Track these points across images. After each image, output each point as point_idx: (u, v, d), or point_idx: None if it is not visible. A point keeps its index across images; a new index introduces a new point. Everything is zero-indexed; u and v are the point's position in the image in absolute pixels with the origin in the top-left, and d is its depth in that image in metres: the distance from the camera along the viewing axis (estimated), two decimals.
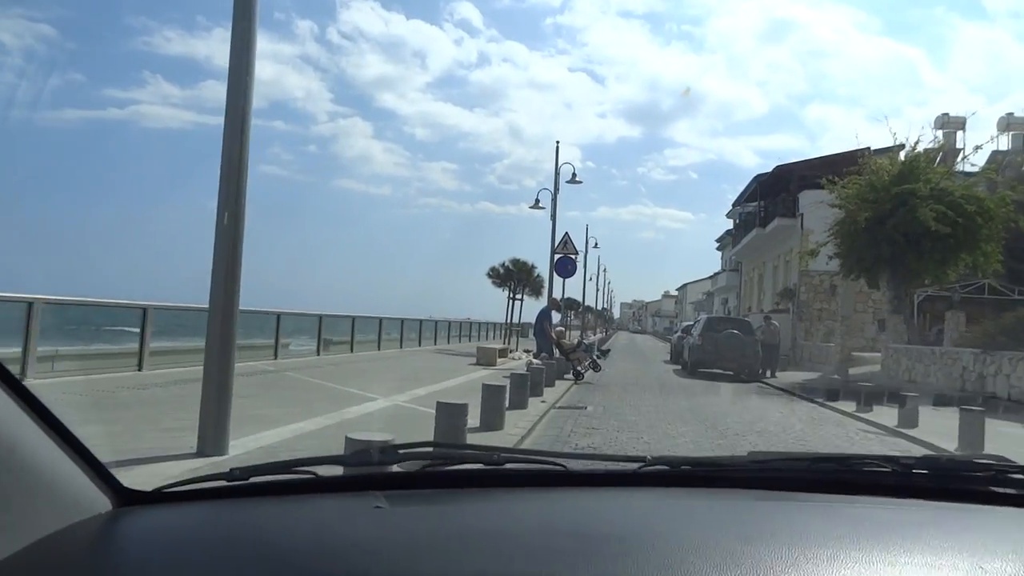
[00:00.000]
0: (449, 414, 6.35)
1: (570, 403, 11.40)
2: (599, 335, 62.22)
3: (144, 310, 10.96)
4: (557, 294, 25.55)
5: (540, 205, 28.26)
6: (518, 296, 24.37)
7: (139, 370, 10.56)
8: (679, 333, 29.00)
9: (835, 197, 19.32)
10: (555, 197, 28.34)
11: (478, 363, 18.07)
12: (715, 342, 19.20)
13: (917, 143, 18.99)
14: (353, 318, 19.41)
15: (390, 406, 8.98)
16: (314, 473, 1.15)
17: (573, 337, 20.79)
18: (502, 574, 0.85)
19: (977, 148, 19.72)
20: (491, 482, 1.22)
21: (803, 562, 0.84)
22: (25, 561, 0.81)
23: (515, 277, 23.90)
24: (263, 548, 0.91)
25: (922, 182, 17.79)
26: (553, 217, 27.48)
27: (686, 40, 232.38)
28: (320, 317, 17.09)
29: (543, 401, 10.75)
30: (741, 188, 44.72)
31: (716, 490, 1.24)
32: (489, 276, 24.25)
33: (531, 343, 28.78)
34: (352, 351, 19.08)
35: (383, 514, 1.02)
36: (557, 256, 19.66)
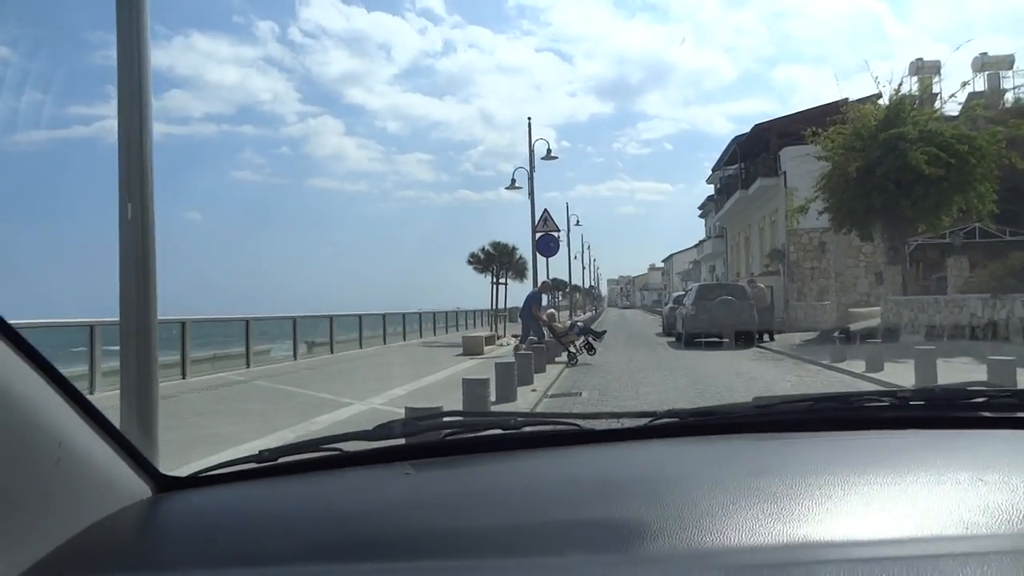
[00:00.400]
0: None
1: (563, 390, 10.59)
2: (588, 313, 61.61)
3: (91, 327, 10.08)
4: (541, 275, 24.79)
5: (516, 185, 27.51)
6: (502, 280, 23.50)
7: (91, 393, 9.64)
8: (670, 304, 28.27)
9: (821, 149, 18.55)
10: (531, 175, 27.46)
11: (464, 353, 17.25)
12: (709, 310, 18.47)
13: (900, 87, 18.25)
14: (331, 317, 18.50)
15: (366, 410, 8.14)
16: (340, 449, 1.18)
17: (565, 319, 20.04)
18: (529, 521, 0.89)
19: (964, 84, 18.99)
20: (510, 445, 1.25)
21: (814, 488, 0.88)
22: (79, 547, 0.85)
23: (497, 261, 23.01)
24: (297, 520, 0.94)
25: (910, 125, 17.08)
26: (531, 195, 26.58)
27: (651, 11, 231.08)
28: (294, 320, 16.16)
29: (533, 390, 9.94)
30: (717, 156, 44.06)
31: (725, 436, 1.26)
32: (470, 262, 23.37)
33: (516, 328, 28.05)
34: (332, 352, 18.19)
35: (411, 479, 1.06)
36: (538, 235, 18.82)
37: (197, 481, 1.14)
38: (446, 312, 35.35)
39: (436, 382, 10.90)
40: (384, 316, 22.85)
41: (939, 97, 20.33)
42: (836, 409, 1.33)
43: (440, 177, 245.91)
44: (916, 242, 25.77)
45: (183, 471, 1.17)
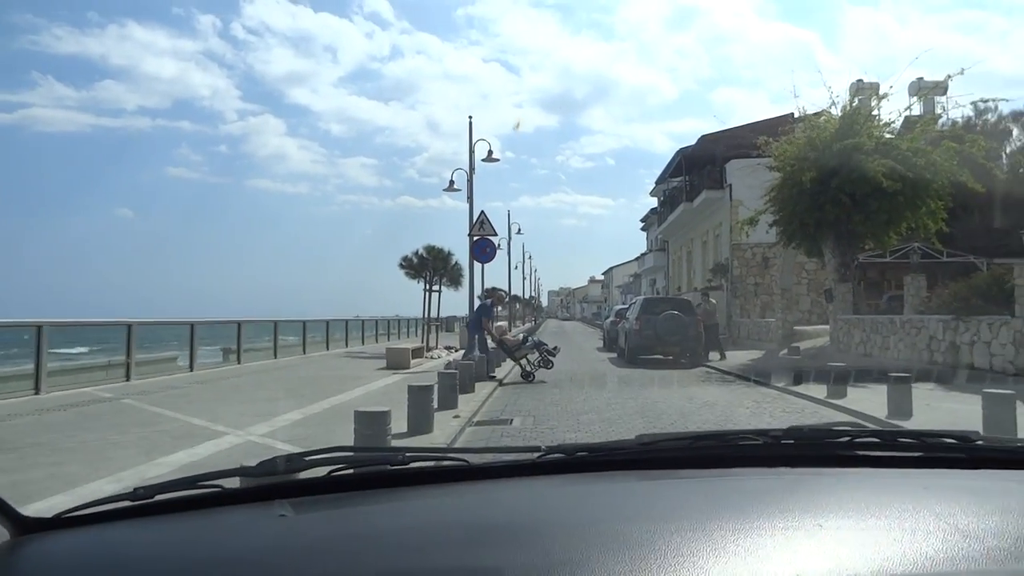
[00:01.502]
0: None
1: (491, 415, 9.10)
2: (527, 324, 60.36)
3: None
4: (478, 283, 23.26)
5: (455, 187, 25.98)
6: (435, 287, 21.83)
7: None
8: (611, 318, 27.14)
9: (773, 159, 17.69)
10: (471, 178, 25.92)
11: (388, 367, 15.57)
12: (654, 325, 17.31)
13: (853, 100, 17.54)
14: (239, 323, 16.52)
15: (239, 443, 6.46)
16: (220, 486, 1.15)
17: (517, 333, 18.47)
18: (400, 569, 0.89)
19: (924, 95, 18.41)
20: (397, 482, 1.23)
21: (674, 535, 0.92)
22: None
23: (431, 266, 21.34)
24: (166, 565, 0.92)
25: (865, 136, 16.35)
26: (470, 199, 25.06)
27: (596, 28, 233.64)
28: (192, 325, 14.16)
29: (456, 416, 8.41)
30: (657, 172, 43.50)
31: (609, 473, 1.30)
32: (402, 266, 21.59)
33: (451, 339, 26.40)
34: (240, 362, 16.23)
35: (287, 522, 1.03)
36: (474, 238, 17.33)
37: (62, 522, 1.09)
38: (383, 320, 33.48)
39: (342, 404, 9.25)
40: (304, 323, 20.90)
41: (877, 118, 19.80)
42: (714, 447, 1.40)
43: (383, 182, 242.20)
44: (857, 260, 25.45)
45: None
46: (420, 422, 7.25)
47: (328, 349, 22.28)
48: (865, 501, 1.06)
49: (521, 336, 15.50)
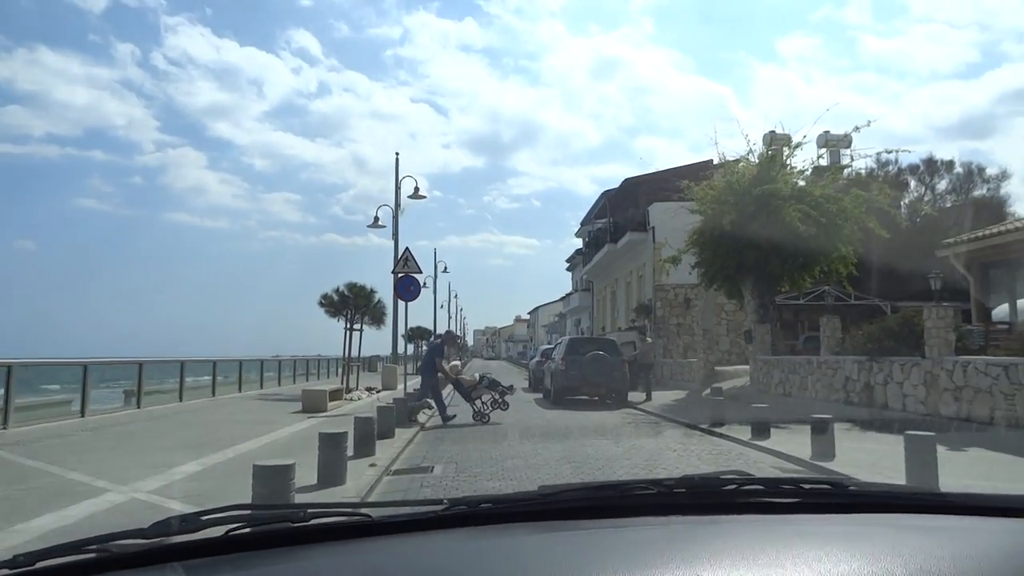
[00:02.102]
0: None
1: (412, 463, 8.58)
2: (454, 362, 59.59)
3: None
4: (402, 322, 22.65)
5: (380, 224, 25.47)
6: (356, 326, 21.08)
7: None
8: (537, 358, 26.96)
9: (695, 203, 18.08)
10: (396, 215, 25.57)
11: (304, 410, 14.75)
12: (580, 366, 17.15)
13: (770, 147, 18.19)
14: (140, 363, 15.35)
15: (122, 503, 5.75)
16: (109, 550, 1.11)
17: (475, 374, 17.62)
18: None
19: (831, 147, 19.25)
20: (299, 539, 1.19)
21: None
22: None
23: (352, 304, 20.62)
24: None
25: (781, 183, 16.93)
26: (395, 235, 24.66)
27: (523, 74, 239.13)
28: (85, 366, 13.01)
29: (373, 464, 7.87)
30: (582, 214, 44.21)
31: (511, 525, 1.31)
32: (322, 304, 20.76)
33: (373, 379, 25.54)
34: (139, 406, 15.03)
35: None
36: (398, 275, 16.83)
37: None
38: (303, 360, 32.17)
39: (247, 453, 8.53)
40: (214, 363, 19.72)
41: (791, 166, 20.62)
42: (611, 497, 1.45)
43: (308, 219, 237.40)
44: (775, 302, 26.26)
45: None
46: (331, 472, 6.70)
47: (240, 391, 21.06)
48: (743, 549, 1.11)
49: (477, 376, 15.03)
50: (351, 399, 18.65)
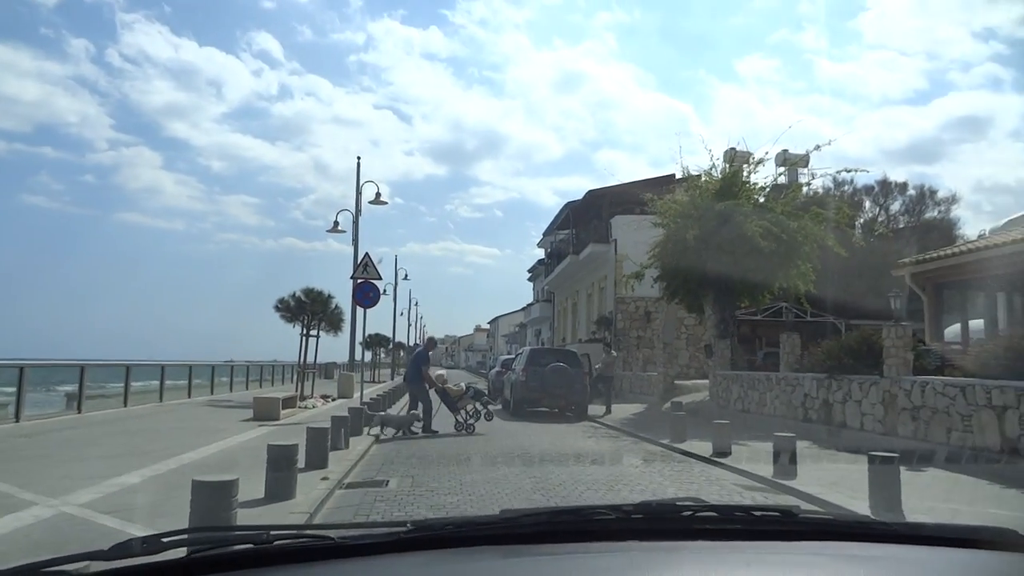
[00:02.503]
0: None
1: (366, 476, 8.24)
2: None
3: None
4: (360, 328, 22.18)
5: (340, 229, 24.97)
6: (312, 332, 20.58)
7: None
8: (497, 368, 26.71)
9: (657, 216, 18.12)
10: (356, 220, 25.11)
11: (255, 418, 14.24)
12: (540, 377, 16.97)
13: (732, 164, 18.34)
14: (82, 366, 14.65)
15: (48, 517, 5.32)
16: (68, 572, 1.09)
17: (461, 383, 16.96)
18: None
19: (790, 166, 19.51)
20: (261, 561, 1.19)
21: None
22: None
23: (308, 310, 20.12)
24: None
25: (743, 198, 17.07)
26: (355, 241, 24.20)
27: (487, 85, 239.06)
28: (21, 368, 12.32)
29: (325, 477, 7.52)
30: (544, 225, 44.32)
31: (472, 549, 1.32)
32: (277, 309, 20.19)
33: (329, 387, 24.95)
34: (80, 411, 14.34)
35: None
36: (357, 281, 16.44)
37: None
38: (256, 365, 31.37)
39: (192, 463, 8.10)
40: (163, 368, 19.00)
41: (753, 182, 20.86)
42: (571, 522, 1.49)
43: (266, 222, 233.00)
44: (736, 317, 26.50)
45: None
46: (281, 486, 6.35)
47: (190, 397, 20.36)
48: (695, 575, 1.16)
49: (463, 385, 14.71)
50: (305, 407, 18.15)
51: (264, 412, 14.36)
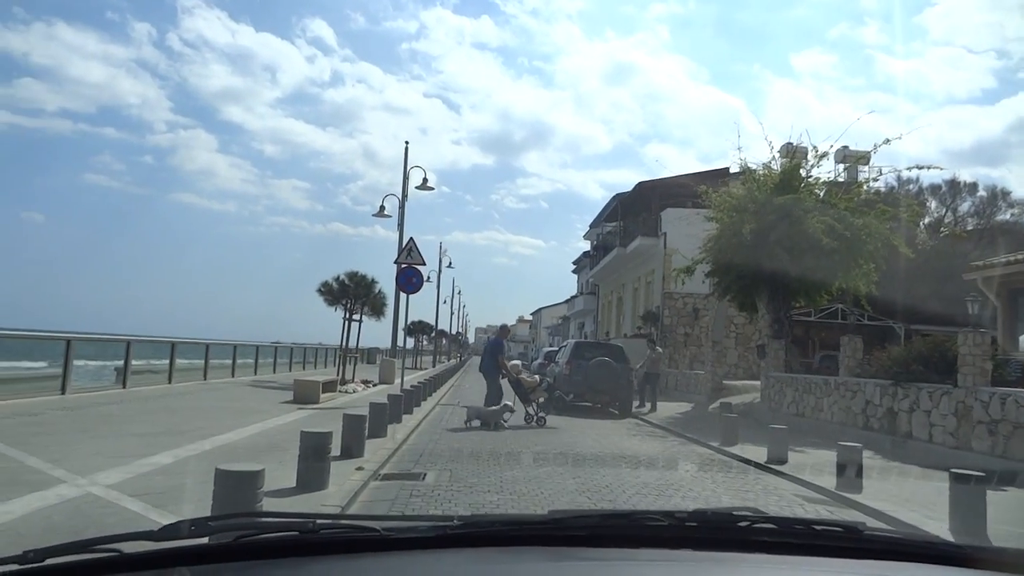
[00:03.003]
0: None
1: (402, 467, 7.92)
2: (452, 361, 58.90)
3: None
4: (403, 313, 22.01)
5: (386, 214, 24.82)
6: (355, 316, 20.43)
7: None
8: (540, 360, 26.31)
9: (712, 211, 17.40)
10: (403, 204, 24.95)
11: (295, 401, 14.12)
12: (585, 371, 16.48)
13: (793, 155, 17.48)
14: (128, 341, 14.74)
15: (73, 497, 5.11)
16: (118, 551, 1.10)
17: (535, 375, 16.47)
18: None
19: (850, 164, 18.54)
20: (306, 550, 1.19)
21: None
22: None
23: (352, 294, 19.98)
24: None
25: (805, 193, 16.25)
26: (400, 226, 24.03)
27: (537, 75, 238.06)
28: (68, 341, 12.39)
29: (360, 468, 7.22)
30: (589, 218, 43.62)
31: (519, 548, 1.28)
32: (321, 292, 20.10)
33: (371, 372, 24.89)
34: (125, 386, 14.44)
35: None
36: (401, 267, 16.18)
37: None
38: (300, 348, 31.58)
39: (227, 446, 7.90)
40: (207, 346, 19.10)
41: (816, 177, 19.89)
42: (622, 526, 1.43)
43: (315, 207, 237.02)
44: (791, 317, 25.51)
45: None
46: (312, 475, 6.05)
47: (234, 376, 20.47)
48: None
49: (538, 377, 14.42)
50: (346, 391, 18.04)
51: (304, 395, 14.23)
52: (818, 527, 1.44)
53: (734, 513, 1.49)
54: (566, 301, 62.01)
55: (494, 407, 12.32)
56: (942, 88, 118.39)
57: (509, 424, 12.21)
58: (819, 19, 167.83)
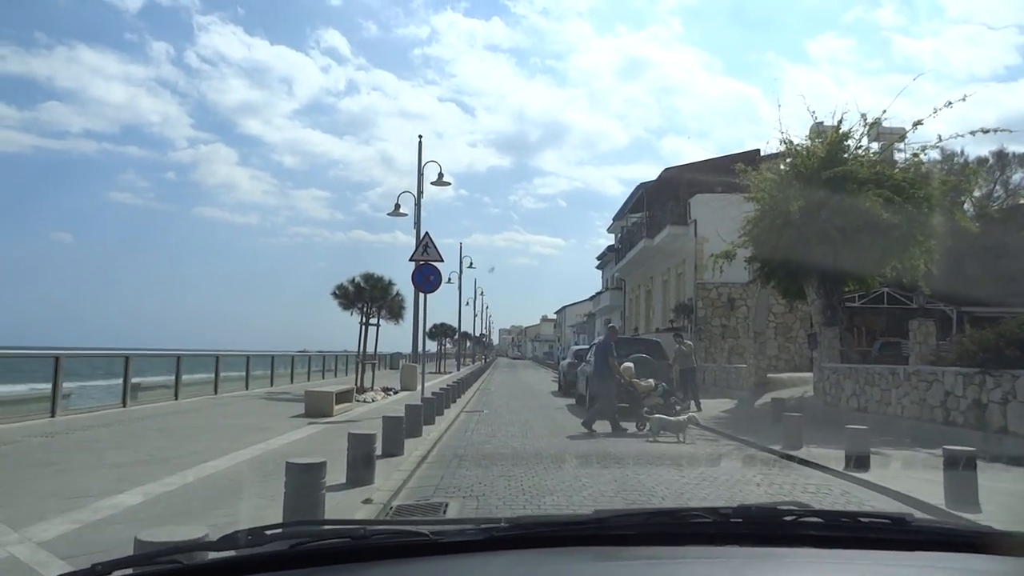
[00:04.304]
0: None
1: (420, 495, 6.67)
2: (477, 363, 57.76)
3: None
4: (423, 314, 20.81)
5: (402, 212, 23.68)
6: (372, 320, 19.29)
7: None
8: (569, 359, 24.95)
9: (752, 191, 15.96)
10: (419, 201, 23.80)
11: (306, 414, 12.98)
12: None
13: (840, 123, 15.87)
14: (127, 356, 13.69)
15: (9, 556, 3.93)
16: (180, 562, 1.15)
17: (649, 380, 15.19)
18: None
19: (886, 146, 16.90)
20: (359, 556, 1.22)
21: None
22: None
23: (368, 297, 18.84)
24: None
25: (855, 164, 14.75)
26: (417, 224, 22.87)
27: (550, 74, 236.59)
28: (56, 358, 11.34)
29: (368, 500, 5.97)
30: (608, 215, 42.20)
31: (565, 549, 1.29)
32: (335, 295, 19.00)
33: (394, 378, 23.73)
34: (125, 404, 13.39)
35: None
36: (418, 265, 14.99)
37: None
38: (323, 356, 30.49)
39: (214, 476, 6.71)
40: (217, 358, 18.05)
41: (866, 147, 18.31)
42: (667, 524, 1.41)
43: (336, 215, 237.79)
44: (843, 302, 23.87)
45: None
46: (305, 510, 4.83)
47: (248, 388, 19.44)
48: None
49: (652, 382, 13.26)
50: (364, 401, 16.89)
51: (316, 408, 13.07)
52: (865, 519, 1.43)
53: (779, 507, 1.48)
54: (591, 298, 60.58)
55: (678, 419, 11.27)
56: (963, 67, 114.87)
57: (600, 432, 11.08)
58: (833, 3, 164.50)
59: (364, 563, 1.19)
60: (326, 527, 1.34)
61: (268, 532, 1.21)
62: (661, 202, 31.37)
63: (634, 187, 35.37)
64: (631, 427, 12.11)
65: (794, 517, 1.40)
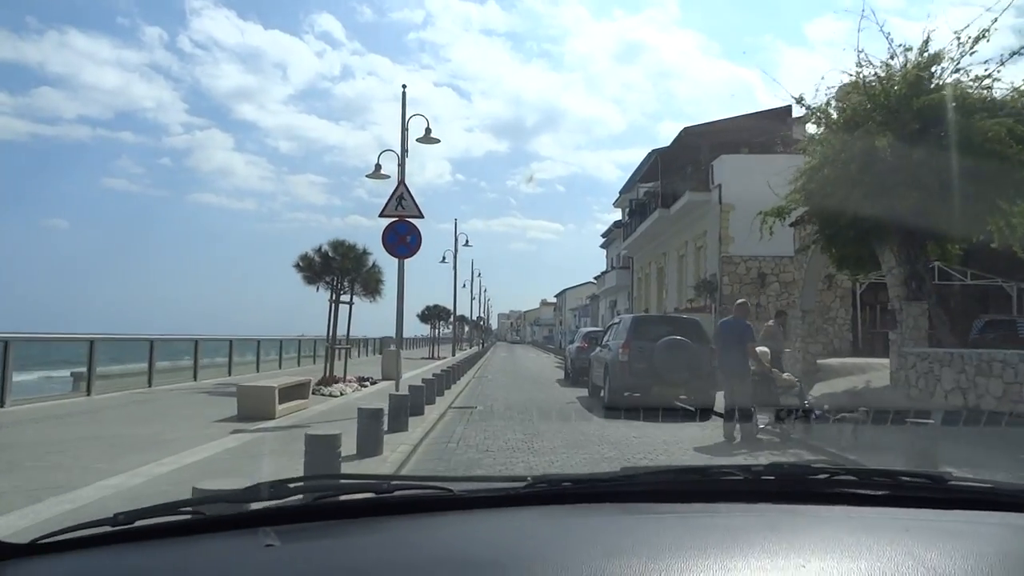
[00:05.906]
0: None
1: None
2: (475, 348, 54.62)
3: None
4: (413, 295, 17.52)
5: (383, 173, 20.37)
6: (344, 296, 16.04)
7: None
8: (577, 344, 21.73)
9: (814, 127, 12.70)
10: (403, 161, 20.35)
11: (239, 416, 9.74)
12: (650, 356, 11.88)
13: (927, 42, 12.38)
14: (6, 341, 10.41)
15: None
16: (203, 512, 1.14)
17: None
18: None
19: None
20: (382, 510, 1.22)
21: (659, 573, 0.91)
22: None
23: (338, 268, 15.57)
24: None
25: (955, 91, 11.43)
26: (401, 181, 19.56)
27: (546, 58, 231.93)
28: (6, 343, 8.09)
29: None
30: (606, 200, 39.23)
31: (593, 505, 1.28)
32: (299, 268, 15.71)
33: (373, 365, 20.47)
34: (3, 405, 10.15)
35: (274, 552, 1.01)
36: (389, 221, 11.76)
37: (38, 548, 1.05)
38: (282, 340, 27.28)
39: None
40: (152, 343, 14.70)
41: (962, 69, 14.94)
42: (697, 481, 1.39)
43: (332, 201, 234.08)
44: (866, 281, 20.66)
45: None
46: None
47: (196, 379, 16.24)
48: (844, 541, 1.06)
49: (793, 377, 10.17)
50: (329, 395, 13.66)
51: (252, 408, 9.79)
52: (902, 477, 1.40)
53: (812, 465, 1.46)
54: (596, 279, 57.36)
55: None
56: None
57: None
58: None
59: (387, 516, 1.18)
60: (349, 481, 1.34)
61: (291, 485, 1.20)
62: (678, 167, 28.06)
63: (628, 175, 32.03)
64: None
65: (828, 475, 1.39)
